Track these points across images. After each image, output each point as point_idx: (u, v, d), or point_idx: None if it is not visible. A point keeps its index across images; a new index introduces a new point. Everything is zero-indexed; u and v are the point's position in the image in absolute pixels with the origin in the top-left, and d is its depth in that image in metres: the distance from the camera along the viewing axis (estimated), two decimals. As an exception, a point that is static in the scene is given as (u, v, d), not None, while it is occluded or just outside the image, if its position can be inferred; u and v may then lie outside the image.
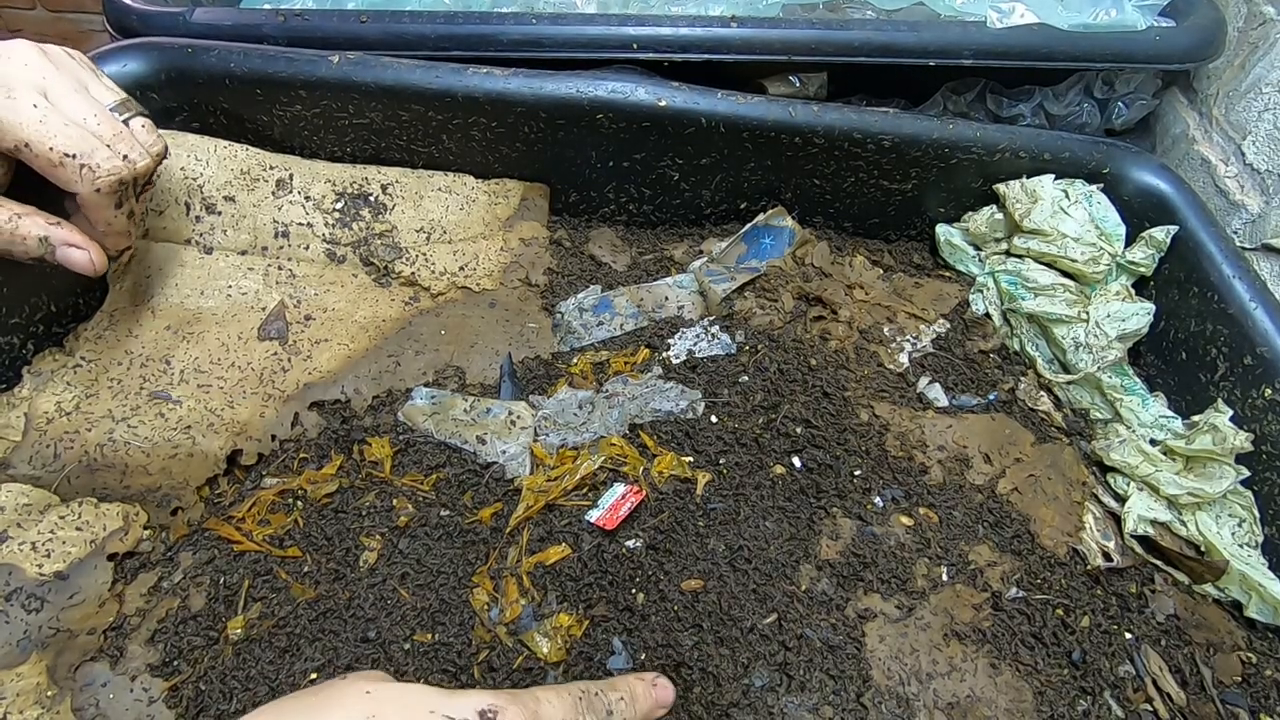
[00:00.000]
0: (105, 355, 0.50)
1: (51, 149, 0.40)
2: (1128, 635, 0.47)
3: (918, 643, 0.45)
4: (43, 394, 0.48)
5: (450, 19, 0.62)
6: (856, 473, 0.51)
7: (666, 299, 0.60)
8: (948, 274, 0.65)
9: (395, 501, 0.48)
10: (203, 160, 0.55)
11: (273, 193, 0.57)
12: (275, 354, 0.52)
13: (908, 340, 0.59)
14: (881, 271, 0.64)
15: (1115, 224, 0.60)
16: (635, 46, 0.62)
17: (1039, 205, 0.60)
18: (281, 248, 0.56)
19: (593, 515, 0.47)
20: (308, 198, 0.57)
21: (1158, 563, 0.51)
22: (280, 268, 0.56)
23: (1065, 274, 0.60)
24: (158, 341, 0.52)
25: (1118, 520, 0.52)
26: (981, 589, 0.47)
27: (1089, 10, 0.64)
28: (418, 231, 0.59)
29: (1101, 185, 0.61)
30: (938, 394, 0.56)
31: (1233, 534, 0.51)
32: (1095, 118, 0.70)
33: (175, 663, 0.42)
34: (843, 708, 0.42)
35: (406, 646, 0.43)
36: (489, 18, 0.62)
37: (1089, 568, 0.49)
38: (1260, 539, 0.51)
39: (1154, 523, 0.51)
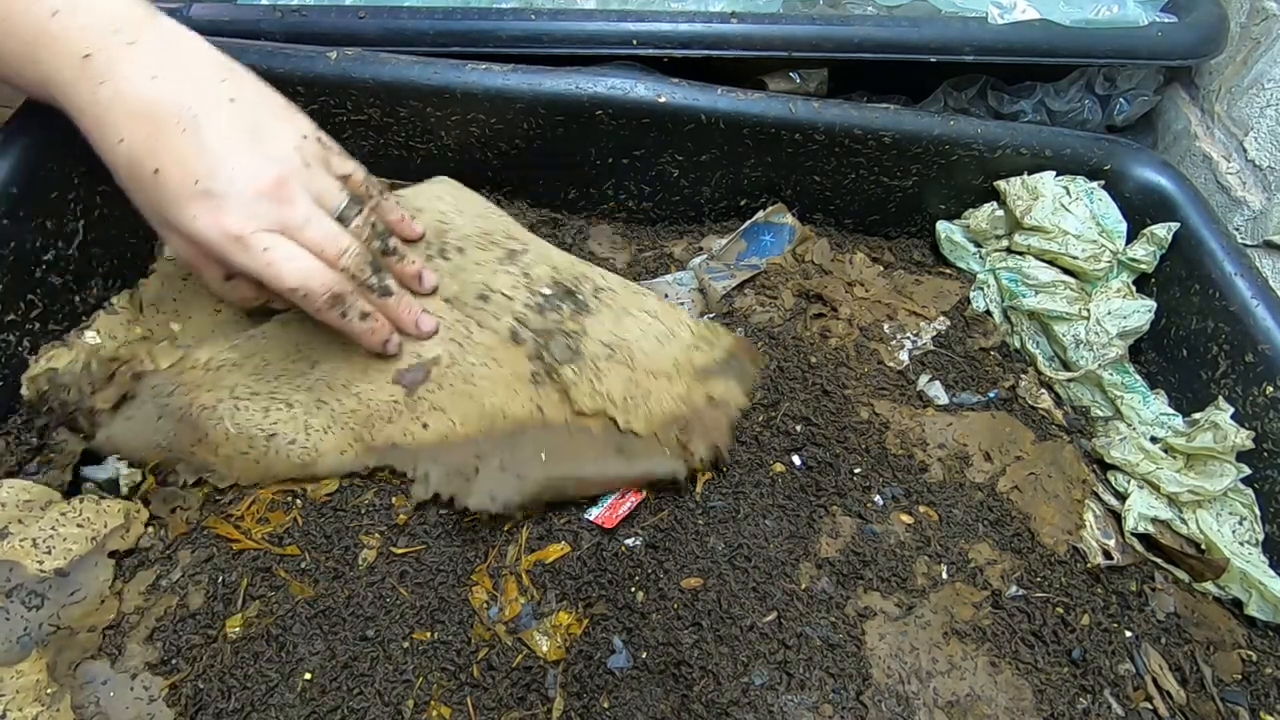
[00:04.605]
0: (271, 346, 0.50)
1: (308, 296, 0.44)
2: (1128, 633, 0.47)
3: (918, 641, 0.44)
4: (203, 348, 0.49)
5: (449, 14, 0.61)
6: (856, 471, 0.51)
7: (666, 296, 0.60)
8: (948, 271, 0.65)
9: (394, 499, 0.48)
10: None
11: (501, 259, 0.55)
12: (395, 401, 0.49)
13: (908, 338, 0.59)
14: (882, 269, 0.64)
15: (1116, 221, 0.60)
16: (635, 43, 0.61)
17: (1040, 202, 0.59)
18: (479, 308, 0.53)
19: (592, 513, 0.47)
20: (526, 275, 0.54)
21: (1158, 561, 0.50)
22: (466, 326, 0.52)
23: (1066, 271, 0.60)
24: (315, 338, 0.51)
25: (1118, 518, 0.52)
26: (981, 587, 0.47)
27: (1090, 6, 0.64)
28: (603, 344, 0.52)
29: (1103, 182, 0.61)
30: (938, 392, 0.56)
31: (1233, 532, 0.51)
32: (1096, 114, 0.70)
33: (174, 661, 0.42)
34: (842, 706, 0.42)
35: (405, 645, 0.43)
36: (488, 13, 0.62)
37: (1089, 566, 0.49)
38: (1261, 537, 0.51)
39: (1154, 520, 0.51)
